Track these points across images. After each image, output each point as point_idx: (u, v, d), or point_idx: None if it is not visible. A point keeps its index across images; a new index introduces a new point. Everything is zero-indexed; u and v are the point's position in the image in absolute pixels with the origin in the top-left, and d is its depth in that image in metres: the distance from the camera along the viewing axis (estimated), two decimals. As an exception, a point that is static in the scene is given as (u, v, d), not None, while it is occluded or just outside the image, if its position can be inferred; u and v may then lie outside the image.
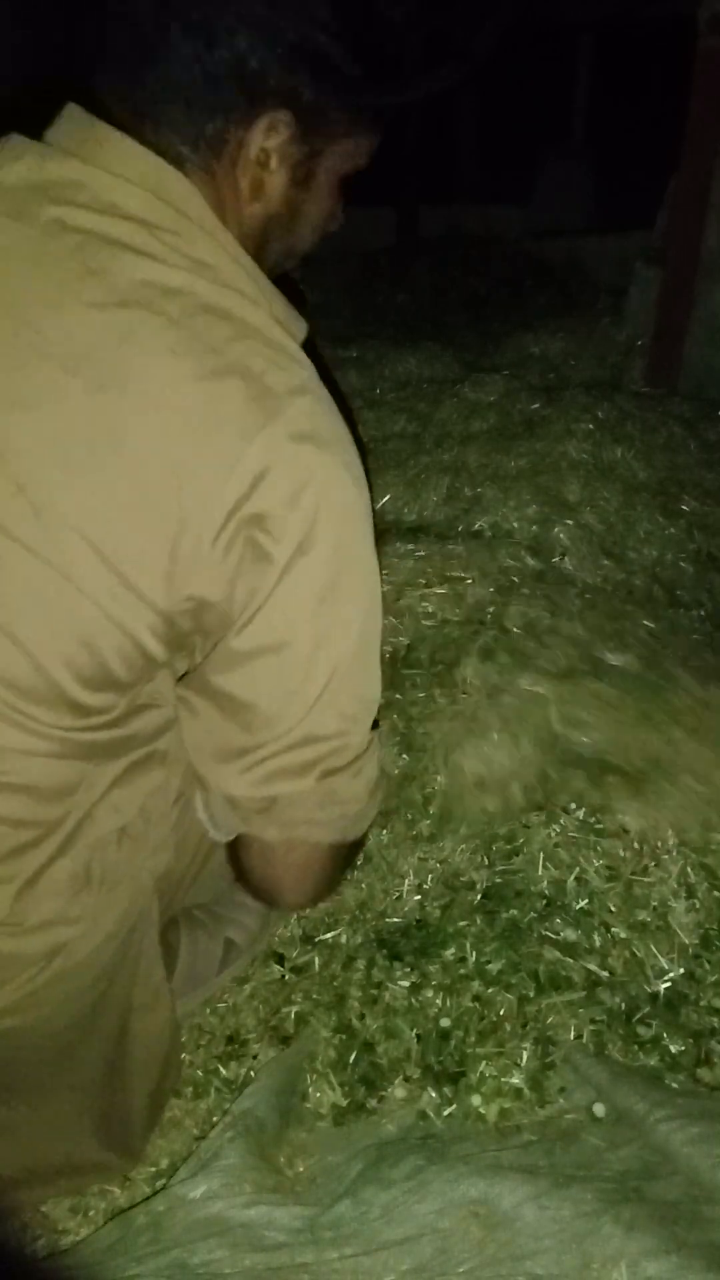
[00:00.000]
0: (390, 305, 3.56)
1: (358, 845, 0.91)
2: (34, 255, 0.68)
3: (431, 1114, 0.95)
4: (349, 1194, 0.87)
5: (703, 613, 1.61)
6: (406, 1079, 0.99)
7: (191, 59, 0.68)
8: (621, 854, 1.13)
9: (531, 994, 1.03)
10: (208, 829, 0.83)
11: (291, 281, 0.82)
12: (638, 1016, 1.00)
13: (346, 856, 0.87)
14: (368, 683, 0.78)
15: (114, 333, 0.66)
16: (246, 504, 0.67)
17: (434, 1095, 0.97)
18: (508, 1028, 1.00)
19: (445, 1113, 0.95)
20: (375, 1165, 0.89)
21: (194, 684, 0.77)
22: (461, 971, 1.06)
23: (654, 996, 1.02)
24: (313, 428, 0.69)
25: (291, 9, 0.68)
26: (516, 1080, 0.96)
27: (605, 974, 1.03)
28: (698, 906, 1.09)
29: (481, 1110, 0.95)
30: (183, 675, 0.80)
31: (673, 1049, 0.98)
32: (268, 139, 0.73)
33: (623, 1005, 1.02)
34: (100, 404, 0.66)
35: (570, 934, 1.07)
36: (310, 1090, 1.00)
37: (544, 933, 1.07)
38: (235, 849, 0.84)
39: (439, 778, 1.25)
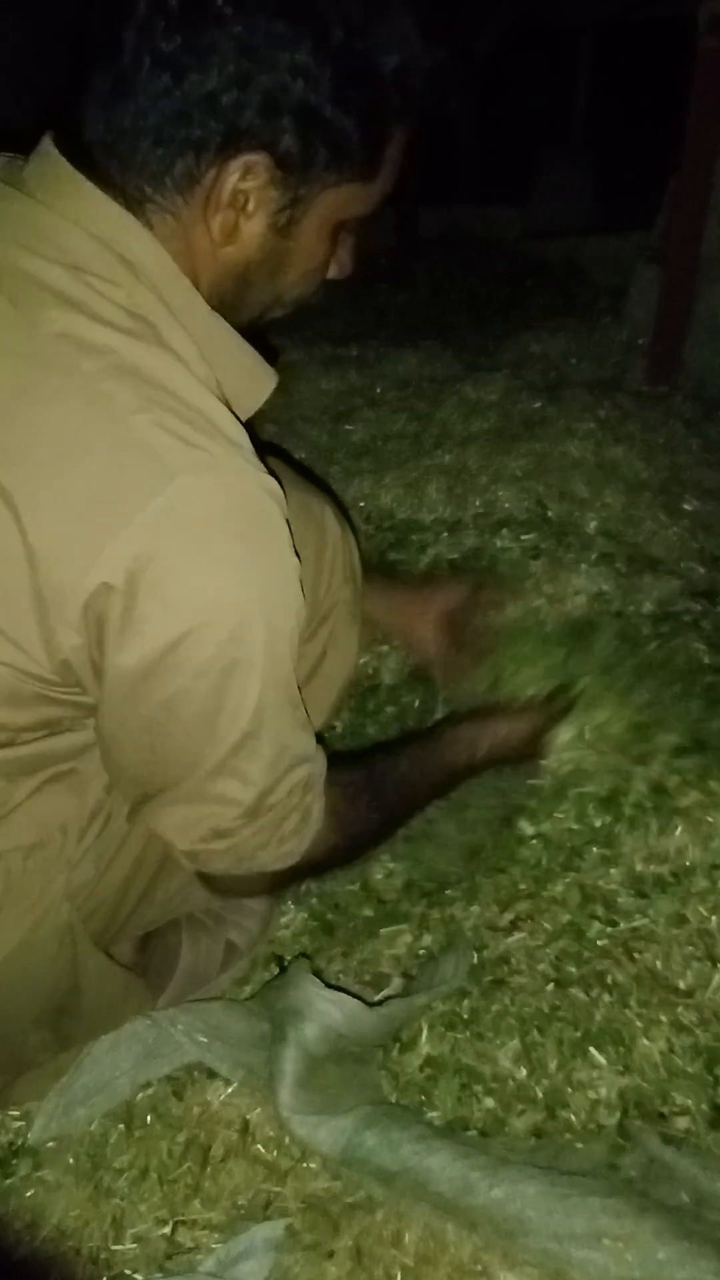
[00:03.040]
0: (390, 305, 3.55)
1: (318, 865, 0.89)
2: None
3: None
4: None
5: (709, 614, 1.60)
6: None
7: (161, 93, 0.65)
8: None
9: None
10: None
11: (264, 339, 0.80)
12: None
13: (289, 875, 0.86)
14: (272, 758, 0.76)
15: (12, 390, 0.64)
16: (111, 589, 0.64)
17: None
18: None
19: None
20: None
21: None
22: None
23: None
24: (199, 512, 0.65)
25: (270, 54, 0.65)
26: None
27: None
28: None
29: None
30: None
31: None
32: (243, 181, 0.69)
33: None
34: None
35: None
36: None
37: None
38: None
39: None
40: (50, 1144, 0.93)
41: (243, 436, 0.69)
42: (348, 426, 2.23)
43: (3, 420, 0.65)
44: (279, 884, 0.89)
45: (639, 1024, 0.96)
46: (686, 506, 1.90)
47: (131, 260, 0.69)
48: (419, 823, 1.15)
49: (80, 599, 0.65)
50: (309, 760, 0.82)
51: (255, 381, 0.77)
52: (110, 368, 0.65)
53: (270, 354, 0.79)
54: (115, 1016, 0.97)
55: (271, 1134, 0.92)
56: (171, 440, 0.64)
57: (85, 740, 0.80)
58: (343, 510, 1.11)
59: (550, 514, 1.82)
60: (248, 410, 0.76)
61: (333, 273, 0.81)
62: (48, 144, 0.72)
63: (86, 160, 0.70)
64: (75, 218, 0.69)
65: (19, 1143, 0.94)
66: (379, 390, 2.47)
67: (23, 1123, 0.95)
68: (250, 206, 0.71)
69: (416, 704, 1.46)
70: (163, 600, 0.65)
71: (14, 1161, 0.92)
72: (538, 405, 2.20)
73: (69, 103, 0.70)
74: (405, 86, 0.70)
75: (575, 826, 1.17)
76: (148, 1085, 0.96)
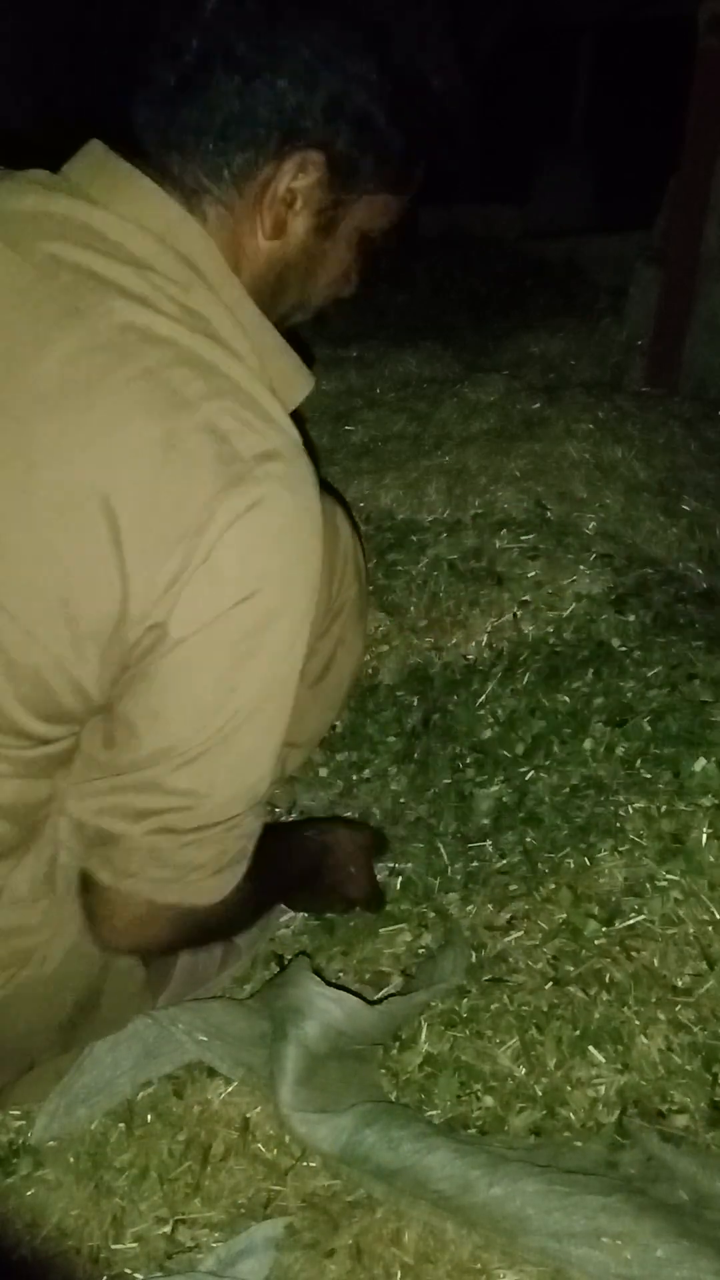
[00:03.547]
0: (390, 305, 3.55)
1: (213, 927, 0.86)
2: (23, 290, 0.68)
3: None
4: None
5: (708, 615, 1.60)
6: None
7: (231, 92, 0.70)
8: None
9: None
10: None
11: (301, 339, 0.83)
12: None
13: (191, 926, 0.82)
14: (249, 764, 0.76)
15: (85, 379, 0.66)
16: (195, 570, 0.67)
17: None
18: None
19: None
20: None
21: None
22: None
23: None
24: (274, 496, 0.68)
25: (339, 61, 0.70)
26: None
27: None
28: None
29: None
30: None
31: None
32: (296, 179, 0.73)
33: None
34: (62, 453, 0.66)
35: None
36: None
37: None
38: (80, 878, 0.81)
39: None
40: (51, 1143, 0.93)
41: (294, 430, 0.72)
42: (347, 427, 2.23)
43: (83, 412, 0.66)
44: (175, 938, 0.83)
45: (637, 1022, 0.97)
46: (685, 507, 1.91)
47: (189, 258, 0.72)
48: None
49: (161, 596, 0.67)
50: (266, 786, 0.79)
51: (294, 382, 0.79)
52: (175, 357, 0.67)
53: (308, 357, 0.81)
54: (123, 1017, 0.97)
55: (271, 1133, 0.92)
56: (240, 426, 0.67)
57: None
58: (347, 509, 1.12)
59: (549, 514, 1.82)
60: (286, 409, 0.78)
61: (346, 287, 0.84)
62: (97, 145, 0.74)
63: (140, 154, 0.73)
64: (134, 217, 0.71)
65: (20, 1142, 0.94)
66: (379, 391, 2.47)
67: (23, 1122, 0.96)
68: (298, 204, 0.75)
69: (415, 703, 1.47)
70: (221, 577, 0.68)
71: (14, 1160, 0.92)
72: (537, 406, 2.20)
73: (114, 98, 0.75)
74: (447, 109, 0.76)
75: (566, 827, 1.18)
76: (148, 1084, 0.97)
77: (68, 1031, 0.92)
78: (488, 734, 1.38)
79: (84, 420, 0.66)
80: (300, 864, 1.05)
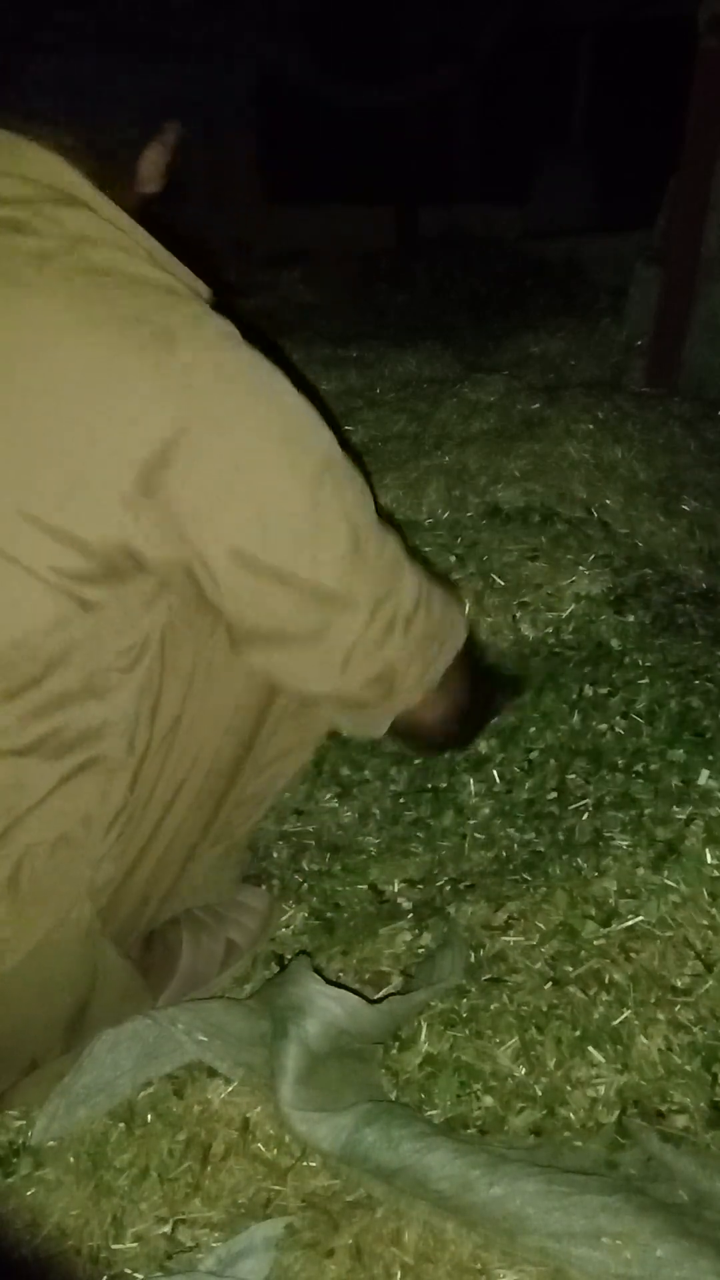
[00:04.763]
0: (390, 305, 3.56)
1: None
2: None
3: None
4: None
5: (708, 615, 1.60)
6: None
7: (129, 82, 0.79)
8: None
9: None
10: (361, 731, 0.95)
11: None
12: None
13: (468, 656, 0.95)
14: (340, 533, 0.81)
15: (5, 307, 0.71)
16: (161, 441, 0.71)
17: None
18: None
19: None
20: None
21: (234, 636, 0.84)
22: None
23: None
24: (217, 353, 0.74)
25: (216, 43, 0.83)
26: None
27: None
28: None
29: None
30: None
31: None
32: (166, 142, 0.84)
33: None
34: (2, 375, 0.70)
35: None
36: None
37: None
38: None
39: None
40: (51, 1143, 0.93)
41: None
42: (348, 427, 2.23)
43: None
44: (457, 696, 0.95)
45: (637, 1022, 0.97)
46: (685, 507, 1.91)
47: (73, 194, 0.77)
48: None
49: (136, 462, 0.71)
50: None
51: (199, 284, 0.83)
52: (78, 268, 0.72)
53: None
54: (120, 1016, 0.97)
55: (271, 1132, 0.92)
56: (164, 310, 0.73)
57: (105, 718, 0.81)
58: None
59: (549, 515, 1.82)
60: None
61: None
62: None
63: (30, 124, 0.77)
64: (9, 168, 0.76)
65: (20, 1142, 0.94)
66: (379, 391, 2.47)
67: (23, 1122, 0.96)
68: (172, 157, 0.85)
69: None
70: (218, 433, 0.73)
71: (14, 1160, 0.93)
72: (537, 406, 2.20)
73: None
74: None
75: (564, 829, 1.18)
76: (148, 1084, 0.97)
77: (70, 1030, 0.92)
78: (486, 734, 1.38)
79: (16, 341, 0.71)
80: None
